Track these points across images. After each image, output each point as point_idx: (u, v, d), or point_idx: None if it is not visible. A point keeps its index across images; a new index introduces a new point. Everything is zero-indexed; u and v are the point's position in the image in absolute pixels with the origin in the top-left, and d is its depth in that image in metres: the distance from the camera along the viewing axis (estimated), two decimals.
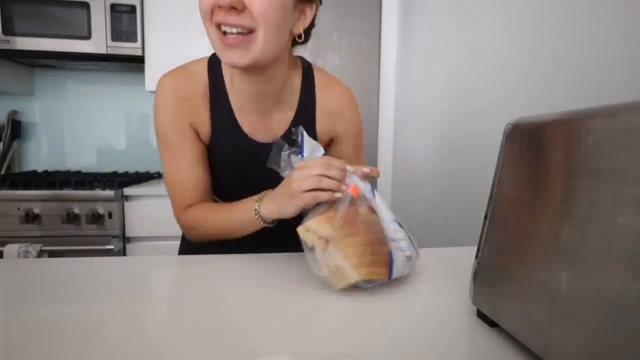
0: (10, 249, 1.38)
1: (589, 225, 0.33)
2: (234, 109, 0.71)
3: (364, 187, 0.58)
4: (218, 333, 0.43)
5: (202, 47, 2.07)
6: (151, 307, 0.49)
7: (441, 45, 1.42)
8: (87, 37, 1.64)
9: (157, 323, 0.45)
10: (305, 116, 0.73)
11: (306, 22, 0.65)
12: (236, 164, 0.74)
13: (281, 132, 0.73)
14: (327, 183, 0.54)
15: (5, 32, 1.60)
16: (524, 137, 0.44)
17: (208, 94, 0.70)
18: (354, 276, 0.51)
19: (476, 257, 0.49)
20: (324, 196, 0.54)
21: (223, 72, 0.71)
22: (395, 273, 0.54)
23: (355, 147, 0.79)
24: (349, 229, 0.53)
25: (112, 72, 2.02)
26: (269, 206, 0.60)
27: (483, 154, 1.04)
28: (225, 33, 0.57)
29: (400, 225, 0.58)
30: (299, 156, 0.59)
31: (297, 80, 0.73)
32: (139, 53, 1.69)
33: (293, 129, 0.61)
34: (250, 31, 0.57)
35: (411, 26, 1.73)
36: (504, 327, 0.42)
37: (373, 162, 1.91)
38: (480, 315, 0.48)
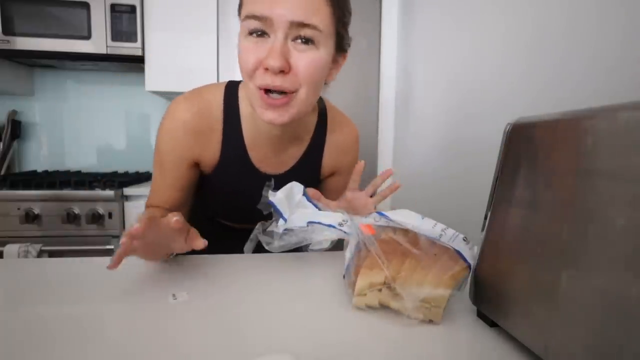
0: (10, 249, 1.38)
1: (589, 225, 0.33)
2: (245, 141, 0.71)
3: (370, 219, 0.54)
4: (218, 332, 0.43)
5: (201, 47, 2.07)
6: (151, 307, 0.49)
7: (441, 45, 1.42)
8: (87, 37, 1.64)
9: (157, 323, 0.45)
10: (314, 152, 0.77)
11: (338, 70, 0.66)
12: (241, 192, 0.74)
13: (290, 166, 0.76)
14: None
15: (5, 32, 1.60)
16: (524, 137, 0.44)
17: (221, 125, 0.70)
18: (445, 293, 0.46)
19: (476, 257, 0.49)
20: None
21: (240, 104, 0.70)
22: (470, 260, 0.49)
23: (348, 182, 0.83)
24: (396, 257, 0.48)
25: (112, 72, 2.02)
26: None
27: (483, 154, 1.04)
28: (267, 92, 0.57)
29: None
30: (282, 220, 0.56)
31: (313, 119, 0.75)
32: (139, 53, 1.69)
33: (262, 204, 0.58)
34: (292, 91, 0.57)
35: (411, 26, 1.72)
36: (504, 327, 0.42)
37: (373, 162, 1.91)
38: (480, 315, 0.48)
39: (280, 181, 0.72)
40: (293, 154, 0.75)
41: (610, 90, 0.62)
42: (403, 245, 0.49)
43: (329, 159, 0.78)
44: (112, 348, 0.39)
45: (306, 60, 0.56)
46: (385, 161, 1.90)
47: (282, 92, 0.57)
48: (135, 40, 1.67)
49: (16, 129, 1.92)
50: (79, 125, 2.04)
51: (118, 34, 1.66)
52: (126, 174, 1.92)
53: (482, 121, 1.08)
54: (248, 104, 0.69)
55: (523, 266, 0.40)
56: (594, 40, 0.67)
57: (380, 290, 0.48)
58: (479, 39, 1.12)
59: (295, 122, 0.63)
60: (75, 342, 0.40)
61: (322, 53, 0.57)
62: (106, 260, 0.67)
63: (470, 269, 0.49)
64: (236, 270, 0.64)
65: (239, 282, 0.59)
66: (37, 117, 2.01)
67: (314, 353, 0.39)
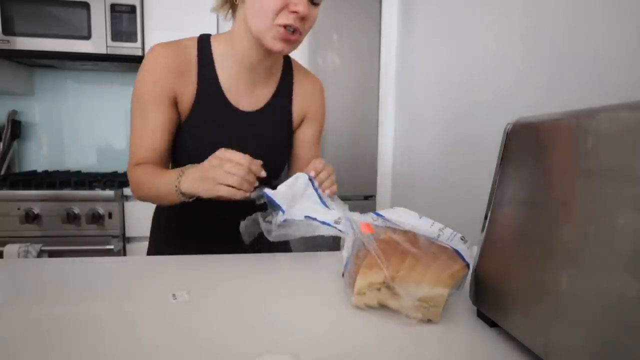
0: (10, 249, 1.38)
1: (589, 225, 0.33)
2: (219, 79, 0.79)
3: (368, 217, 0.54)
4: (218, 333, 0.43)
5: None
6: (151, 307, 0.49)
7: (441, 44, 1.42)
8: (87, 37, 1.64)
9: (156, 323, 0.45)
10: (285, 91, 0.85)
11: None
12: (218, 131, 0.79)
13: (264, 103, 0.82)
14: (246, 186, 0.59)
15: (5, 32, 1.60)
16: (524, 137, 0.44)
17: (196, 65, 0.77)
18: (443, 292, 0.45)
19: (476, 256, 0.49)
20: (238, 194, 0.59)
21: (212, 47, 0.79)
22: (469, 259, 0.49)
23: (318, 132, 0.91)
24: (395, 257, 0.47)
25: (112, 72, 2.02)
26: (187, 184, 0.64)
27: (483, 154, 1.04)
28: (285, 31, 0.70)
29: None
30: (280, 212, 0.56)
31: (281, 60, 0.85)
32: (139, 53, 1.68)
33: (256, 194, 0.62)
34: (300, 33, 0.72)
35: (411, 26, 1.72)
36: (504, 327, 0.42)
37: (373, 161, 1.91)
38: (480, 315, 0.48)
39: (256, 118, 0.82)
40: (266, 91, 0.83)
41: (612, 90, 0.62)
42: (402, 245, 0.49)
43: (298, 101, 0.86)
44: (112, 348, 0.39)
45: (313, 13, 0.72)
46: (385, 160, 1.90)
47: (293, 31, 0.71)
48: (135, 40, 1.67)
49: (16, 129, 1.92)
50: (79, 125, 2.04)
51: (118, 34, 1.66)
52: (126, 174, 1.92)
53: (482, 121, 1.08)
54: (223, 47, 0.79)
55: (523, 266, 0.40)
56: (595, 40, 0.67)
57: (379, 289, 0.48)
58: (479, 39, 1.12)
59: (276, 56, 0.78)
60: (75, 342, 0.40)
61: (318, 9, 0.73)
62: (106, 260, 0.68)
63: (468, 268, 0.49)
64: (236, 270, 0.64)
65: (239, 282, 0.59)
66: (37, 117, 2.00)
67: (314, 353, 0.39)
